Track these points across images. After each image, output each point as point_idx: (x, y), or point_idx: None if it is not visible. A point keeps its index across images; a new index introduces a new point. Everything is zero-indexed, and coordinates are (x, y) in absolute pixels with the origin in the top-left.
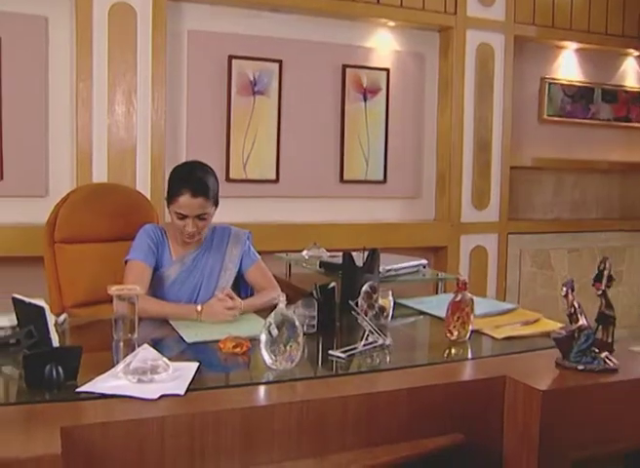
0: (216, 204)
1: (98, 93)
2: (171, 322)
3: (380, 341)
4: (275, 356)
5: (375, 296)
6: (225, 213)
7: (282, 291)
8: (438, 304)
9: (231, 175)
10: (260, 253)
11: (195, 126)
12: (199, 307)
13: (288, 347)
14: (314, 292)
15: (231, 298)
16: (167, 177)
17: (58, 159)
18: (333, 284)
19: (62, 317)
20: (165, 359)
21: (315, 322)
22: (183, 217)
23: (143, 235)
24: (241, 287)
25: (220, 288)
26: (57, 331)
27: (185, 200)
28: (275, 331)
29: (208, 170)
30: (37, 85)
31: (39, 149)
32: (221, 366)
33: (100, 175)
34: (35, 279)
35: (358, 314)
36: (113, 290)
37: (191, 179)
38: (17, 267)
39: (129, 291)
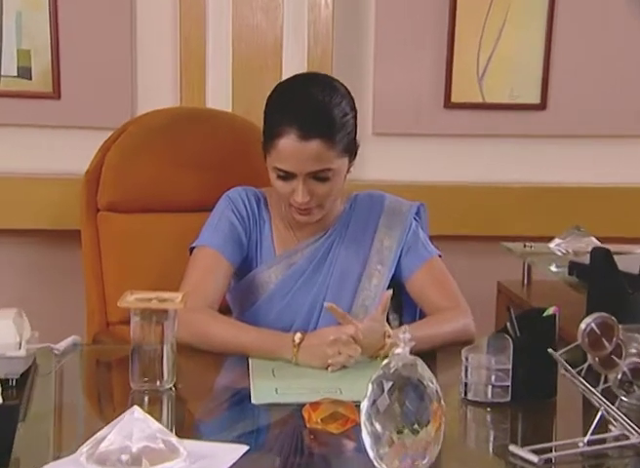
0: (349, 153)
1: None
2: (250, 362)
3: (635, 439)
4: (382, 447)
5: (612, 342)
6: (434, 164)
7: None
8: None
9: (455, 97)
10: (475, 238)
11: (389, 9)
12: (298, 337)
13: (406, 433)
14: (509, 325)
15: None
16: None
17: (151, 65)
18: (551, 309)
19: (67, 342)
20: (172, 437)
21: (508, 381)
22: (288, 177)
23: (226, 207)
24: (404, 303)
25: (357, 307)
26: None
27: (289, 145)
28: (385, 401)
29: (335, 87)
30: None
31: (120, 47)
32: (293, 455)
33: (218, 95)
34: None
35: (573, 377)
36: (129, 300)
37: (300, 107)
38: (66, 245)
39: (159, 302)
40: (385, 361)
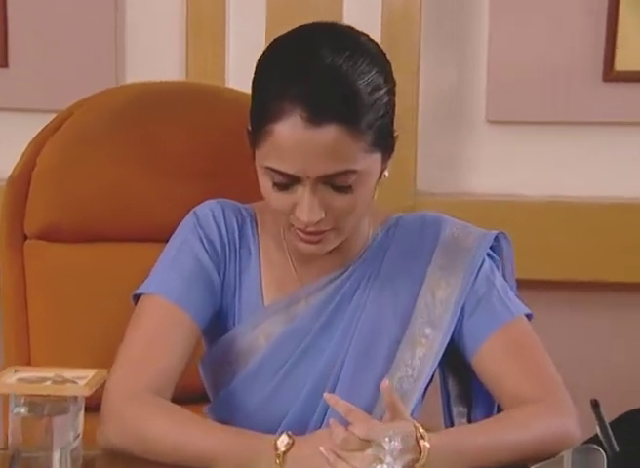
0: (383, 147)
1: None
2: None
3: None
4: None
5: None
6: (585, 169)
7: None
8: None
9: (621, 64)
10: (617, 287)
11: None
12: (284, 442)
13: None
14: (599, 432)
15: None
16: None
17: (144, 21)
18: None
19: None
20: None
21: None
22: (288, 184)
23: (191, 233)
24: (474, 390)
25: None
26: None
27: (290, 133)
28: None
29: (362, 46)
30: None
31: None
32: None
33: (244, 67)
34: None
35: None
36: (7, 381)
37: (307, 75)
38: None
39: (55, 385)
40: None
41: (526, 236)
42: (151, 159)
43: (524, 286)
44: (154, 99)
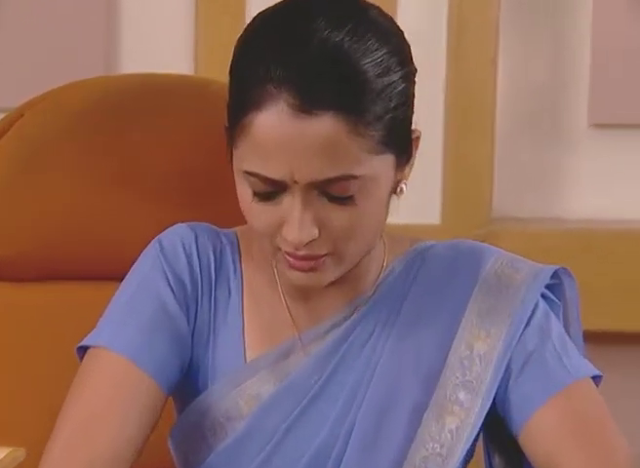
0: (396, 147)
1: None
2: None
3: None
4: None
5: None
6: None
7: None
8: None
9: None
10: None
11: None
12: None
13: None
14: None
15: None
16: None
17: (143, 6)
18: None
19: None
20: None
21: None
22: (273, 193)
23: (152, 268)
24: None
25: None
26: None
27: (274, 124)
28: None
29: (368, 20)
30: None
31: None
32: None
33: None
34: None
35: None
36: None
37: (297, 54)
38: None
39: None
40: None
41: (634, 273)
42: (125, 175)
43: (613, 339)
44: (130, 97)
